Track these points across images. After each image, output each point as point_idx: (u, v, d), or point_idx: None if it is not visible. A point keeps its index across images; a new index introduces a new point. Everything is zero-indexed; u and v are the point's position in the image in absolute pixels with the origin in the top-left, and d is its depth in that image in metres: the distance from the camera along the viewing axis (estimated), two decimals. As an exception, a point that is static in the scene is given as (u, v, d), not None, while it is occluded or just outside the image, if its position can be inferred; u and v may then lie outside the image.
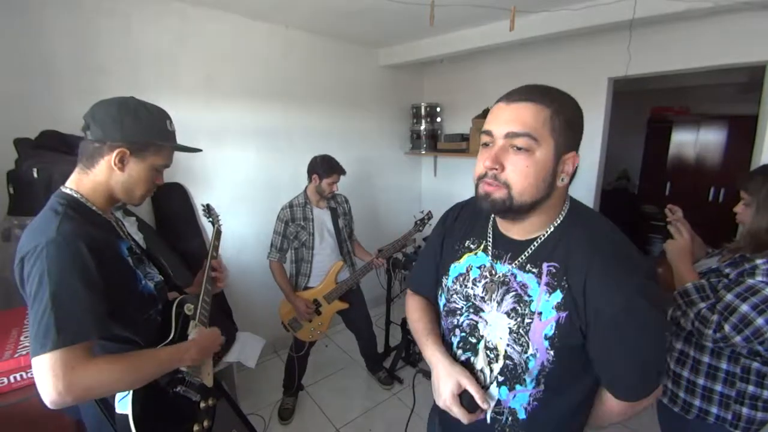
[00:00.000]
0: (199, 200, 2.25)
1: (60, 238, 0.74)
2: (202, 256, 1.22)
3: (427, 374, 0.84)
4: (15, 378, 1.14)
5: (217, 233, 1.27)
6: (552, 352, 0.68)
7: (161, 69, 2.10)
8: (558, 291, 0.68)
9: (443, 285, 0.86)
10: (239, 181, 2.54)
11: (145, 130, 0.88)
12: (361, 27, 2.59)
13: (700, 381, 1.12)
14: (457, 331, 0.82)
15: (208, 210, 1.35)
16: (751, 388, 1.05)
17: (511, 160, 0.65)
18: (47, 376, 0.69)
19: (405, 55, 3.03)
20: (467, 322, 0.80)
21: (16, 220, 1.48)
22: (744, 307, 0.97)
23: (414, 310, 0.94)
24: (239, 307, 2.49)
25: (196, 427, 0.96)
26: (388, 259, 2.49)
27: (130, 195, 0.92)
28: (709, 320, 1.02)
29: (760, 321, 0.95)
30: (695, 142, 4.23)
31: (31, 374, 1.13)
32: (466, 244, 0.83)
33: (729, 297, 1.01)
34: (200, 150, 1.04)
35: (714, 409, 1.09)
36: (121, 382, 0.78)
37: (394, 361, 2.61)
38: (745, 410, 1.06)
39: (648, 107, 4.66)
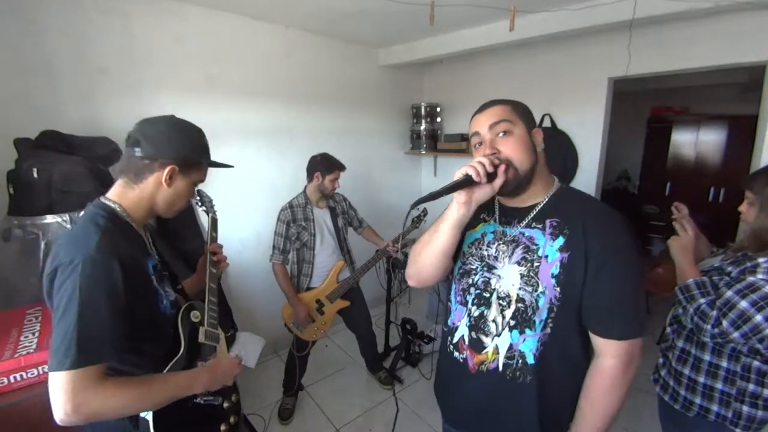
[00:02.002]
0: (199, 200, 2.25)
1: (97, 256, 0.75)
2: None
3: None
4: (15, 378, 1.14)
5: (213, 222, 1.21)
6: (558, 289, 0.81)
7: (161, 68, 2.10)
8: (560, 237, 0.83)
9: (461, 251, 0.99)
10: (239, 181, 2.53)
11: (194, 148, 0.95)
12: (361, 27, 2.59)
13: (701, 379, 1.12)
14: (472, 289, 0.94)
15: (200, 196, 1.21)
16: (751, 387, 1.05)
17: (502, 143, 0.83)
18: (59, 395, 0.70)
19: (405, 55, 3.03)
20: (482, 279, 0.92)
21: (16, 220, 1.48)
22: (743, 304, 0.98)
23: None
24: (239, 307, 2.49)
25: (223, 427, 0.97)
26: (388, 259, 2.50)
27: (170, 209, 0.96)
28: (708, 315, 1.03)
29: (758, 318, 0.96)
30: (695, 142, 4.23)
31: (32, 374, 1.15)
32: (480, 216, 0.98)
33: (729, 293, 1.01)
34: (232, 166, 1.09)
35: (714, 407, 1.10)
36: (129, 408, 0.78)
37: (394, 361, 2.60)
38: (745, 408, 1.06)
39: (648, 107, 4.66)
